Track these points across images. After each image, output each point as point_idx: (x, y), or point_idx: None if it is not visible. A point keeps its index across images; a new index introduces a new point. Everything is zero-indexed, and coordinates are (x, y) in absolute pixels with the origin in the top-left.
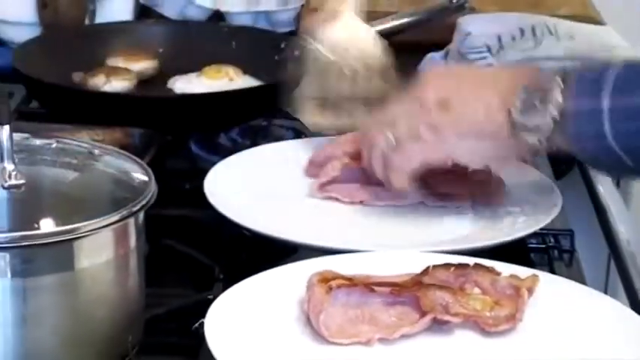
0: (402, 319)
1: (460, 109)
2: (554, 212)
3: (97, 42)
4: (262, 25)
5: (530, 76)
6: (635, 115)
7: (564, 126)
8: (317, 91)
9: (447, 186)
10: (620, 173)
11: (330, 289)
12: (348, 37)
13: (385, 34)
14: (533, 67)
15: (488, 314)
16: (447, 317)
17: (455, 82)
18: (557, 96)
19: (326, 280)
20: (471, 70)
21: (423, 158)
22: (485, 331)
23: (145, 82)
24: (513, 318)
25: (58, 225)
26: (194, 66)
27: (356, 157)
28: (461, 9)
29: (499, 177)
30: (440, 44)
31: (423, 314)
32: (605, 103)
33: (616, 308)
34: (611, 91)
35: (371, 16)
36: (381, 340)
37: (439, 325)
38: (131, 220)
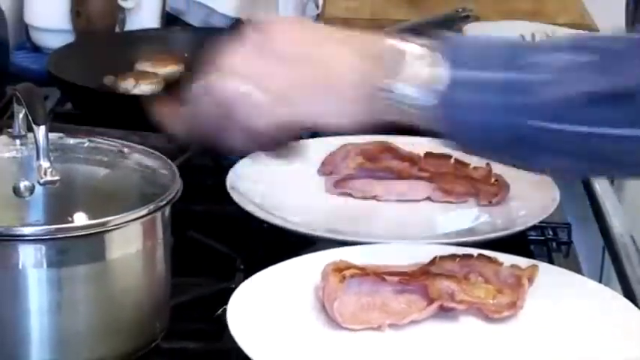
0: (411, 306)
1: (319, 66)
2: (553, 207)
3: (127, 48)
4: None
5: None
6: (520, 90)
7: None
8: None
9: (452, 183)
10: (483, 151)
11: (344, 278)
12: None
13: None
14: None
15: (491, 301)
16: (452, 304)
17: (311, 35)
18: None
19: (340, 269)
20: (327, 27)
21: (273, 118)
22: (488, 318)
23: (171, 85)
24: (515, 305)
25: (90, 218)
26: None
27: (369, 156)
28: (466, 18)
29: (500, 175)
30: None
31: (431, 301)
32: (500, 74)
33: (610, 296)
34: (503, 64)
35: (382, 24)
36: (392, 325)
37: (445, 312)
38: (158, 214)
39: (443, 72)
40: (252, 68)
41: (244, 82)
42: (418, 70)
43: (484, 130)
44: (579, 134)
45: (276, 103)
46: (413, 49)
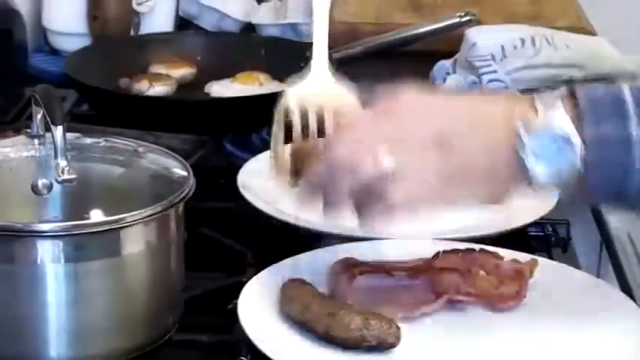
0: (419, 299)
1: (460, 149)
2: (552, 204)
3: (142, 51)
4: (289, 35)
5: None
6: None
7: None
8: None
9: None
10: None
11: (354, 275)
12: (318, 92)
13: (400, 44)
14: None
15: (494, 292)
16: (459, 297)
17: (448, 114)
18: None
19: (349, 267)
20: (463, 99)
21: (417, 199)
22: (494, 309)
23: (184, 87)
24: (519, 295)
25: (106, 215)
26: (228, 72)
27: None
28: (468, 22)
29: None
30: (449, 53)
31: (437, 294)
32: (634, 130)
33: (607, 290)
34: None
35: (387, 28)
36: (402, 318)
37: (452, 304)
38: (172, 211)
39: (581, 130)
40: (397, 150)
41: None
42: (553, 131)
43: (615, 187)
44: None
45: (424, 189)
46: (547, 110)
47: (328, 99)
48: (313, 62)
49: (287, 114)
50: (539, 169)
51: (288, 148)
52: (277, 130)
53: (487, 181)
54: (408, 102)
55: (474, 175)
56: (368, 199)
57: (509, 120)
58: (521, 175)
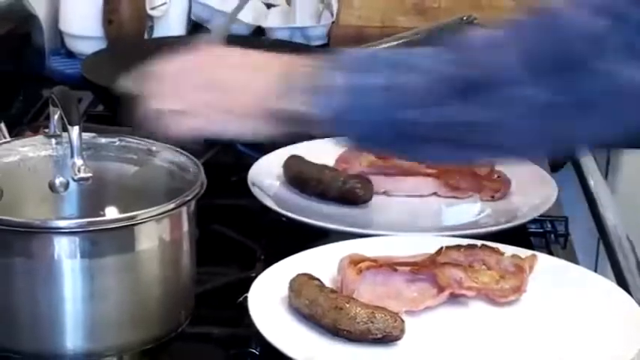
0: (423, 293)
1: (218, 93)
2: (551, 201)
3: (155, 53)
4: (298, 39)
5: (299, 64)
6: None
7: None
8: None
9: (458, 179)
10: (373, 146)
11: (360, 270)
12: None
13: (405, 46)
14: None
15: (496, 286)
16: (462, 291)
17: (219, 64)
18: (329, 79)
19: (355, 262)
20: (246, 54)
21: (188, 131)
22: (495, 302)
23: None
24: (519, 289)
25: (120, 212)
26: None
27: (380, 155)
28: (470, 24)
29: (502, 171)
30: None
31: (441, 289)
32: (382, 78)
33: (604, 284)
34: (384, 69)
35: (392, 31)
36: (407, 312)
37: (455, 298)
38: (184, 209)
39: (335, 81)
40: (176, 89)
41: (168, 100)
42: (315, 83)
43: (370, 128)
44: (446, 123)
45: (191, 119)
46: (311, 65)
47: None
48: None
49: None
50: (295, 106)
51: None
52: None
53: (253, 117)
54: (201, 56)
55: (239, 111)
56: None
57: (281, 68)
58: (283, 114)
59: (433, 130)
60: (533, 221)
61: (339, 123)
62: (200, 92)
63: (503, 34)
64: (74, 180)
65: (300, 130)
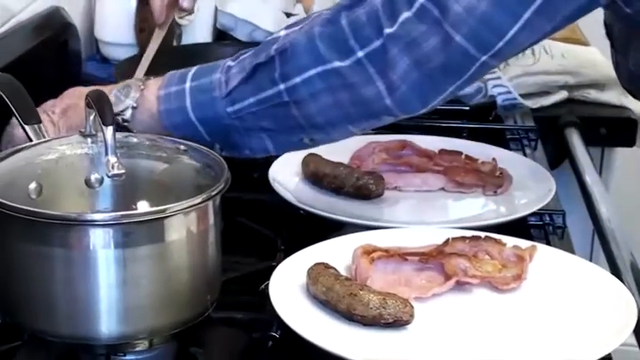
0: (431, 281)
1: (70, 114)
2: (550, 196)
3: (183, 59)
4: None
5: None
6: (205, 90)
7: (157, 107)
8: None
9: (463, 175)
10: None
11: (373, 260)
12: None
13: None
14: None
15: (498, 275)
16: (467, 279)
17: (73, 97)
18: (139, 84)
19: (368, 252)
20: (83, 90)
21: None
22: (497, 289)
23: None
24: (520, 277)
25: (151, 206)
26: None
27: (392, 153)
28: None
29: (504, 168)
30: None
31: (447, 277)
32: (187, 84)
33: (599, 273)
34: (191, 76)
35: None
36: (416, 298)
37: (461, 286)
38: (210, 203)
39: (156, 93)
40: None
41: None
42: (133, 105)
43: (189, 127)
44: (257, 102)
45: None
46: (131, 86)
47: None
48: None
49: None
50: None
51: None
52: None
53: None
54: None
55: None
56: None
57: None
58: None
59: (253, 118)
60: (533, 214)
61: (164, 126)
62: (60, 112)
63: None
64: (108, 176)
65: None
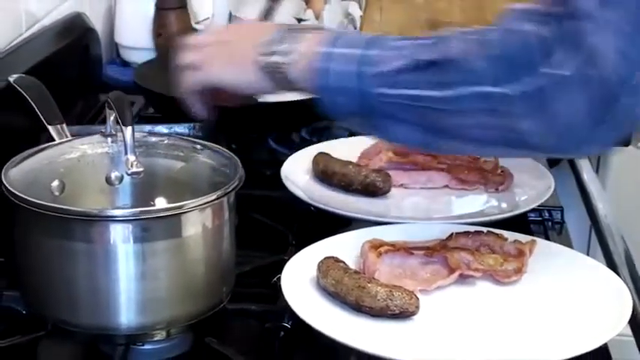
0: (435, 274)
1: (226, 46)
2: (549, 193)
3: None
4: None
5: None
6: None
7: (313, 62)
8: None
9: (466, 173)
10: (348, 117)
11: (380, 253)
12: None
13: None
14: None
15: (499, 268)
16: (470, 272)
17: (235, 30)
18: (305, 36)
19: (375, 246)
20: (256, 24)
21: (196, 81)
22: (498, 282)
23: None
24: (520, 270)
25: (168, 202)
26: None
27: (398, 152)
28: None
29: (506, 167)
30: None
31: (451, 270)
32: (358, 50)
33: (595, 266)
34: (364, 45)
35: None
36: (421, 290)
37: (464, 279)
38: (225, 199)
39: (317, 48)
40: (200, 49)
41: (192, 55)
42: (297, 47)
43: (343, 95)
44: (409, 96)
45: (200, 69)
46: (299, 28)
47: None
48: None
49: None
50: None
51: None
52: None
53: (245, 66)
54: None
55: (235, 60)
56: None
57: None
58: (267, 66)
59: (399, 108)
60: (533, 211)
61: (314, 84)
62: (210, 48)
63: (471, 34)
64: (128, 174)
65: (282, 85)
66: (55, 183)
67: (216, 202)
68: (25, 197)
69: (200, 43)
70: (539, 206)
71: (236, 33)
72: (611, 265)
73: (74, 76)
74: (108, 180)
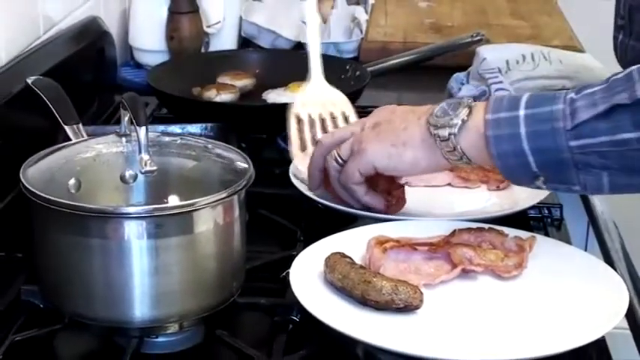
0: (438, 269)
1: (384, 127)
2: (548, 191)
3: (210, 65)
4: (331, 52)
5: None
6: (545, 119)
7: (485, 131)
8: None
9: (468, 172)
10: (523, 178)
11: (385, 249)
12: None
13: (423, 59)
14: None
15: (500, 263)
16: (472, 267)
17: (390, 112)
18: (469, 103)
19: (381, 242)
20: (406, 107)
21: (357, 170)
22: (499, 277)
23: (245, 94)
24: (520, 266)
25: (181, 200)
26: (282, 82)
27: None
28: (479, 41)
29: None
30: (463, 67)
31: (454, 265)
32: (521, 112)
33: (593, 261)
34: (525, 104)
35: (413, 47)
36: (425, 285)
37: (466, 274)
38: (235, 197)
39: (485, 116)
40: (357, 134)
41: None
42: (463, 118)
43: (519, 156)
44: (613, 143)
45: (356, 160)
46: (460, 103)
47: (327, 102)
48: (312, 73)
49: (298, 120)
50: (436, 119)
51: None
52: (292, 133)
53: (401, 146)
54: (379, 111)
55: (389, 141)
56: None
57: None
58: (440, 145)
59: (597, 154)
60: (533, 208)
61: (488, 151)
62: (376, 133)
63: None
64: (142, 173)
65: (450, 157)
66: (72, 181)
67: (227, 199)
68: (43, 195)
69: (352, 131)
70: (538, 204)
71: (390, 115)
72: (608, 260)
73: (90, 77)
74: (122, 178)
